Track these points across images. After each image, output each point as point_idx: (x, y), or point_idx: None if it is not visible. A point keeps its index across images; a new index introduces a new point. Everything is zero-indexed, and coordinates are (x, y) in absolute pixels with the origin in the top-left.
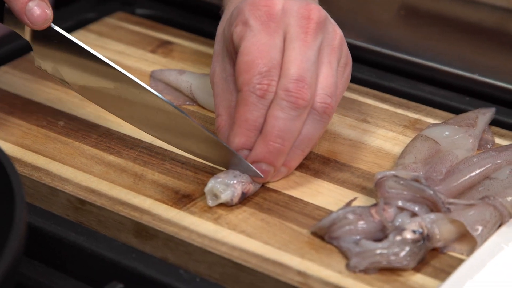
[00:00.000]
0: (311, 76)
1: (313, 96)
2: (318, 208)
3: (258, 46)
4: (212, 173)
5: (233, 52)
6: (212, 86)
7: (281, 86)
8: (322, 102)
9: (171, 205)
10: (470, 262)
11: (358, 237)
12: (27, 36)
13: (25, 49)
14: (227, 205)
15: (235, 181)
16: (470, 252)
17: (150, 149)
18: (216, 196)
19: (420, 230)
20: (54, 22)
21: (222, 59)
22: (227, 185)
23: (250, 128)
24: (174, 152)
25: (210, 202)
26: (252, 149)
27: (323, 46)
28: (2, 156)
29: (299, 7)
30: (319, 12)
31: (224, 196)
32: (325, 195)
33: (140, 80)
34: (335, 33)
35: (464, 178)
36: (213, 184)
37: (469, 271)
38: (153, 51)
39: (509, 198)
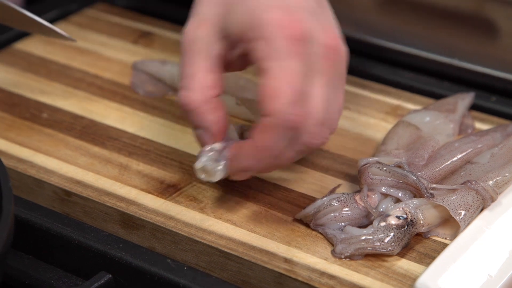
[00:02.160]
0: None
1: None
2: (302, 195)
3: (289, 71)
4: None
5: (234, 47)
6: (185, 50)
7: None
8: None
9: (157, 195)
10: (453, 246)
11: (343, 223)
12: None
13: (7, 41)
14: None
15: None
16: (454, 236)
17: (134, 140)
18: (208, 173)
19: (404, 216)
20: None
21: (213, 36)
22: (218, 162)
23: (268, 157)
24: (158, 143)
25: (203, 177)
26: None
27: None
28: None
29: (326, 37)
30: (343, 44)
31: (219, 175)
32: (309, 182)
33: (122, 71)
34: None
35: (446, 163)
36: (204, 162)
37: (453, 255)
38: (134, 42)
39: (490, 182)
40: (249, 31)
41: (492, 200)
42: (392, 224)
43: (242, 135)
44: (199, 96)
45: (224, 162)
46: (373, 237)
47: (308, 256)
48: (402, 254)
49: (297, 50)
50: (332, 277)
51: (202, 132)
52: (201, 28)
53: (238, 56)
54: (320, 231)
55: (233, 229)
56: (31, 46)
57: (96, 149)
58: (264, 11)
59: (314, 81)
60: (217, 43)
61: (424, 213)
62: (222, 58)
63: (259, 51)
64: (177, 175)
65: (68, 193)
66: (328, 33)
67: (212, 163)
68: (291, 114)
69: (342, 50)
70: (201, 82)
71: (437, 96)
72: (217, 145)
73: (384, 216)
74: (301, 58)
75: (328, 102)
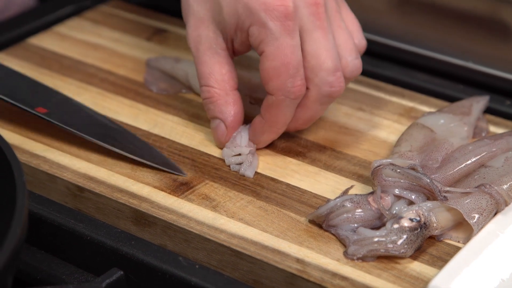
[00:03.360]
0: (339, 58)
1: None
2: (315, 196)
3: (282, 49)
4: (209, 160)
5: (234, 39)
6: (194, 51)
7: (321, 80)
8: (353, 71)
9: (169, 193)
10: (466, 250)
11: (355, 225)
12: None
13: (21, 36)
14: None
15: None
16: (467, 240)
17: (148, 137)
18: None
19: (418, 218)
20: (49, 10)
21: (213, 32)
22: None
23: (281, 126)
24: (171, 140)
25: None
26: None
27: (329, 17)
28: (2, 143)
29: None
30: None
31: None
32: (322, 183)
33: (136, 67)
34: None
35: (460, 166)
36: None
37: (465, 259)
38: (148, 39)
39: (504, 186)
40: (240, 20)
41: (506, 204)
42: (405, 226)
43: None
44: (219, 90)
45: (248, 163)
46: (386, 239)
47: (320, 256)
48: (414, 256)
49: (287, 27)
50: (344, 278)
51: (219, 123)
52: (201, 27)
53: (239, 44)
54: (332, 232)
55: (245, 228)
56: (45, 41)
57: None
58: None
59: (310, 38)
60: (219, 38)
61: (438, 216)
62: (229, 49)
63: (254, 36)
64: (190, 173)
65: (81, 189)
66: None
67: (235, 166)
68: (292, 87)
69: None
70: (218, 77)
71: (451, 99)
72: (239, 149)
73: (397, 218)
74: (291, 30)
75: (332, 49)
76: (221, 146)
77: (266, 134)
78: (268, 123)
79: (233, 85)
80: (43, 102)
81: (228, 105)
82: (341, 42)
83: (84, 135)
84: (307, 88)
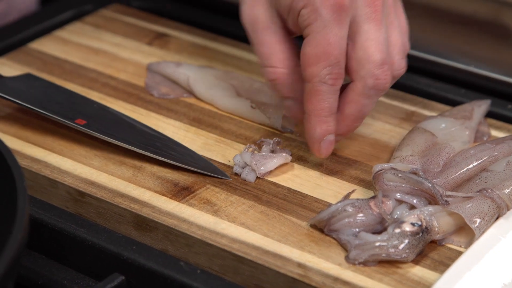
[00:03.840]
0: (388, 53)
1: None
2: (316, 200)
3: (327, 38)
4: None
5: (286, 19)
6: (251, 31)
7: (367, 73)
8: (399, 70)
9: (170, 197)
10: (468, 254)
11: (357, 229)
12: None
13: (22, 41)
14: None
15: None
16: (468, 244)
17: None
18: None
19: (419, 223)
20: (50, 14)
21: (270, 11)
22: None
23: (328, 114)
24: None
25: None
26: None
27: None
28: (2, 148)
29: None
30: None
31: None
32: (324, 187)
33: (137, 72)
34: None
35: (461, 171)
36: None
37: (467, 263)
38: (149, 43)
39: (506, 191)
40: (295, 1)
41: (508, 208)
42: (406, 231)
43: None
44: (283, 69)
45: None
46: (388, 243)
47: (322, 261)
48: (416, 261)
49: (338, 17)
50: (345, 283)
51: (292, 102)
52: (257, 6)
53: (292, 24)
54: (334, 236)
55: (247, 233)
56: (46, 45)
57: (110, 150)
58: None
59: (362, 30)
60: (275, 17)
61: (439, 220)
62: (285, 28)
63: (303, 18)
64: (191, 178)
65: (82, 194)
66: None
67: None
68: (328, 74)
69: None
70: (280, 56)
71: (453, 103)
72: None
73: (399, 222)
74: (342, 21)
75: (382, 43)
76: (298, 123)
77: (317, 127)
78: (313, 113)
79: (296, 62)
80: (81, 114)
81: (297, 83)
82: (392, 39)
83: (126, 145)
84: (353, 81)
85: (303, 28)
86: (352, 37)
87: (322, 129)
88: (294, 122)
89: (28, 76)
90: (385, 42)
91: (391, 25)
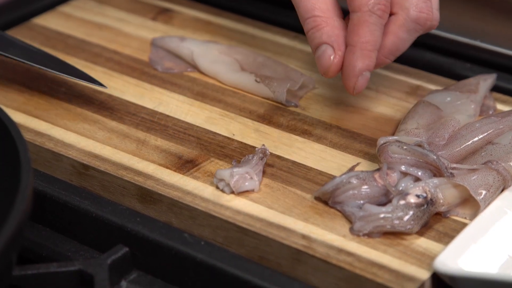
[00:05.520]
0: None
1: None
2: (321, 173)
3: None
4: (214, 138)
5: None
6: None
7: (411, 4)
8: (434, 21)
9: (174, 170)
10: (473, 226)
11: (361, 201)
12: None
13: (25, 16)
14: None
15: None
16: (473, 216)
17: (152, 115)
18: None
19: (424, 195)
20: None
21: None
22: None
23: (373, 49)
24: (176, 118)
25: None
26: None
27: None
28: (7, 121)
29: None
30: None
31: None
32: (328, 160)
33: (141, 47)
34: None
35: (467, 143)
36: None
37: (472, 235)
38: (153, 18)
39: (511, 163)
40: None
41: None
42: (411, 203)
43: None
44: (325, 18)
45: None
46: (392, 215)
47: (326, 233)
48: (421, 232)
49: None
50: (349, 254)
51: (326, 48)
52: None
53: None
54: (338, 208)
55: (251, 205)
56: (50, 21)
57: (114, 124)
58: None
59: None
60: None
61: (444, 192)
62: None
63: None
64: (195, 151)
65: (86, 167)
66: None
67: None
68: (377, 3)
69: None
70: (322, 6)
71: (458, 77)
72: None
73: (404, 194)
74: None
75: None
76: (327, 74)
77: (359, 60)
78: (359, 46)
79: (338, 13)
80: None
81: (336, 29)
82: None
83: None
84: (395, 13)
85: None
86: None
87: (364, 63)
88: (299, 95)
89: None
90: None
91: None
